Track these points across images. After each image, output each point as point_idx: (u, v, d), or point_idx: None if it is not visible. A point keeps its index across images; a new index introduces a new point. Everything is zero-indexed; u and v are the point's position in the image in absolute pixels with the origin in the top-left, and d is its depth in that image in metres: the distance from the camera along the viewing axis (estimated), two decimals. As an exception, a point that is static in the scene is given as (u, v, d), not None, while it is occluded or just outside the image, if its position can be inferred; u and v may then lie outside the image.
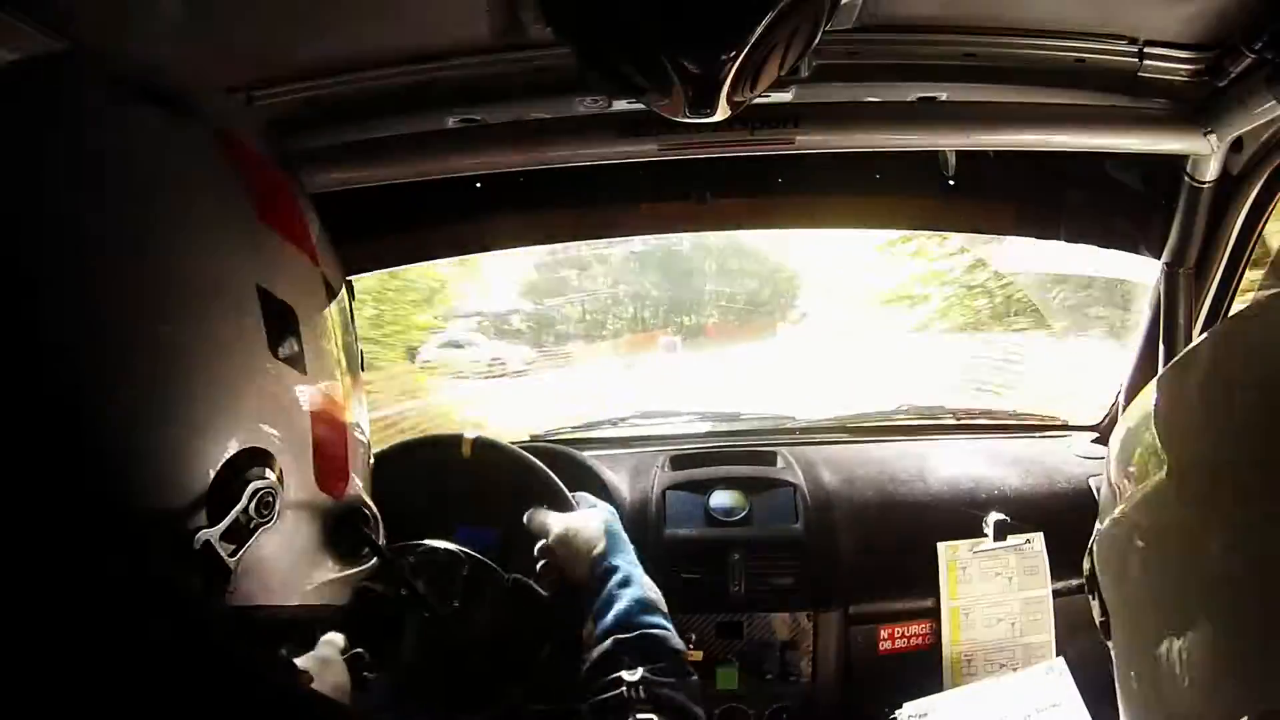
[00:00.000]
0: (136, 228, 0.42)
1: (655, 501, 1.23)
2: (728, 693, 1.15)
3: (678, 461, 1.31)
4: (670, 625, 0.79)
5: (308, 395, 0.47)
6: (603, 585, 0.82)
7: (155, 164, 0.44)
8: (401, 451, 1.09)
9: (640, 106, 0.78)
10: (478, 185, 1.13)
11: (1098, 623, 0.50)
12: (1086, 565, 0.51)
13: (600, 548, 0.87)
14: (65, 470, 0.39)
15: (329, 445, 0.49)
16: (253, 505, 0.43)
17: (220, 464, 0.42)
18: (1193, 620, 0.38)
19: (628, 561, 0.86)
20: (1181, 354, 0.47)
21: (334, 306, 0.52)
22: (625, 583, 0.82)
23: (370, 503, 0.54)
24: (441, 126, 0.93)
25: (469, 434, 1.05)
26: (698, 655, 1.15)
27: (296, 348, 0.46)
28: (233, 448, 0.42)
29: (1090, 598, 0.50)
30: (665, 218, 1.31)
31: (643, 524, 1.20)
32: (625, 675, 0.71)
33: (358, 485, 0.53)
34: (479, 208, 1.16)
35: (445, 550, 0.91)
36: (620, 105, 0.88)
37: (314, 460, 0.47)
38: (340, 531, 0.50)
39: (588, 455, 1.28)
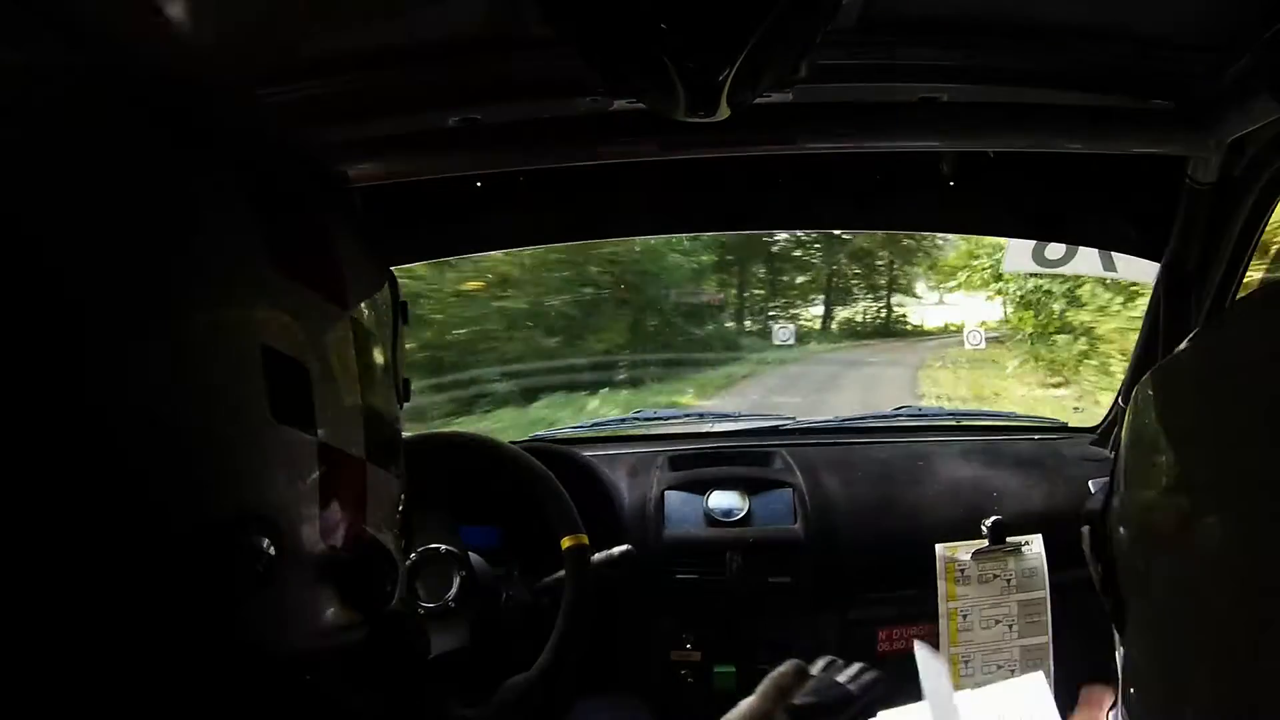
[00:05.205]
0: (127, 279, 0.37)
1: (654, 502, 1.23)
2: (725, 693, 1.15)
3: (677, 462, 1.31)
4: None
5: (315, 454, 0.44)
6: None
7: (158, 204, 0.39)
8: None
9: (640, 106, 0.78)
10: (478, 185, 1.13)
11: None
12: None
13: None
14: (65, 521, 0.36)
15: (338, 502, 0.46)
16: (245, 571, 0.40)
17: (211, 529, 0.39)
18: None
19: None
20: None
21: (364, 343, 0.48)
22: None
23: (391, 551, 0.51)
24: (441, 125, 0.93)
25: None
26: (696, 656, 1.15)
27: (305, 408, 0.43)
28: (225, 513, 0.40)
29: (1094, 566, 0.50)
30: (666, 218, 1.31)
31: (641, 524, 1.20)
32: None
33: (375, 533, 0.50)
34: (478, 207, 1.16)
35: (445, 550, 0.91)
36: (620, 105, 0.88)
37: (320, 519, 0.45)
38: (349, 585, 0.48)
39: (588, 455, 1.28)
